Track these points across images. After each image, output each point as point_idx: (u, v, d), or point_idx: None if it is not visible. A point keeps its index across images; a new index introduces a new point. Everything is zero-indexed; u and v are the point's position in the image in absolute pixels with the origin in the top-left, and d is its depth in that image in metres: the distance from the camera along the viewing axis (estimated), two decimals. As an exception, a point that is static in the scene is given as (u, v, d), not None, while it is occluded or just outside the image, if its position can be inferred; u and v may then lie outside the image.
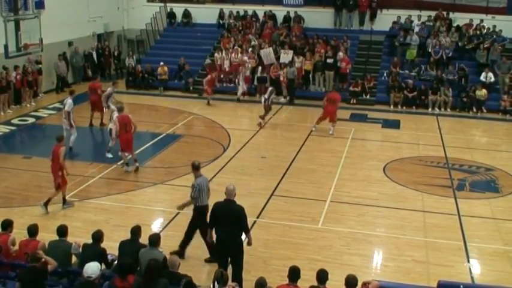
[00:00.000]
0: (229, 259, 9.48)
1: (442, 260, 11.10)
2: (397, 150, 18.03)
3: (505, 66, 24.43)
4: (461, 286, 8.89)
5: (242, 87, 23.79)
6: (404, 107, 23.42)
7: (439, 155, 17.55)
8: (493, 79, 24.04)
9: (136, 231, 8.78)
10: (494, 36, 25.92)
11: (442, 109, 23.38)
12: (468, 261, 11.19)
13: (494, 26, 26.22)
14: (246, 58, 24.36)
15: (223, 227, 9.34)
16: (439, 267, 10.78)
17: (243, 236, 9.53)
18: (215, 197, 9.91)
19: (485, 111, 23.18)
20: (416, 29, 26.70)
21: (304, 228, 12.30)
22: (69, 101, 17.09)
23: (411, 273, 10.53)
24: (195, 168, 10.43)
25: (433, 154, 17.65)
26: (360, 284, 8.09)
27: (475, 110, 23.23)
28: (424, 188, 14.75)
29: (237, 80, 24.61)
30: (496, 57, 24.91)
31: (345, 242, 11.73)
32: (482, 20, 26.60)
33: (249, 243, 9.68)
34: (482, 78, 24.00)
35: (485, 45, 25.20)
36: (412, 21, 27.14)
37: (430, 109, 23.40)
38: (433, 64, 24.96)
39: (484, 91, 23.33)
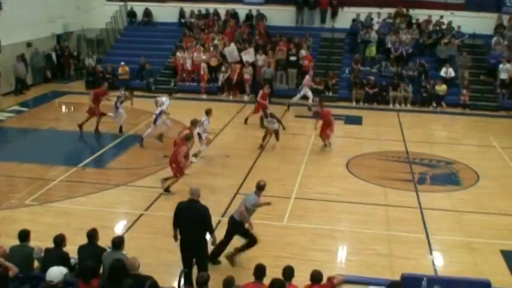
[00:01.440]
0: (193, 259, 9.44)
1: (405, 253, 11.25)
2: (360, 146, 18.22)
3: (465, 61, 24.91)
4: (425, 278, 9.00)
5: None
6: (366, 104, 23.69)
7: (400, 149, 17.80)
8: (453, 74, 24.48)
9: (92, 234, 8.65)
10: (454, 32, 26.42)
11: (403, 105, 23.73)
12: (431, 254, 11.36)
13: (450, 22, 26.72)
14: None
15: (187, 227, 9.27)
16: (403, 260, 10.92)
17: (208, 236, 9.49)
18: (180, 197, 9.84)
19: (445, 106, 23.61)
20: (376, 26, 27.03)
21: (270, 225, 12.28)
22: (167, 101, 17.64)
23: (375, 267, 10.63)
24: (261, 189, 10.53)
25: (394, 149, 17.89)
26: (325, 279, 8.17)
27: (434, 105, 23.64)
28: (386, 183, 14.93)
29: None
30: (455, 53, 25.38)
31: (310, 238, 11.79)
32: (441, 16, 27.08)
33: (214, 243, 9.64)
34: (442, 73, 24.42)
35: (445, 41, 25.65)
36: (372, 19, 27.44)
37: (391, 105, 23.71)
38: (393, 61, 25.29)
39: (444, 86, 23.74)
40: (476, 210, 13.55)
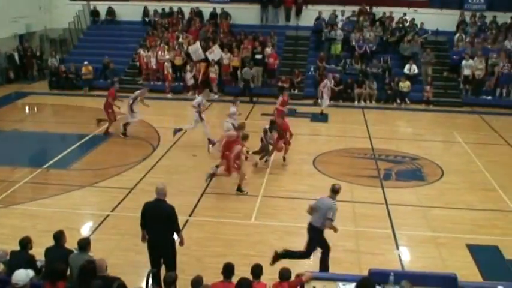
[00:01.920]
0: (161, 259, 9.36)
1: (372, 249, 11.35)
2: (326, 143, 18.33)
3: (428, 58, 25.28)
4: (392, 273, 9.07)
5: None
6: (331, 101, 23.80)
7: (365, 146, 17.96)
8: (416, 71, 24.81)
9: (58, 236, 8.50)
10: (417, 29, 26.79)
11: (368, 102, 23.97)
12: (398, 249, 11.48)
13: (414, 19, 27.11)
14: None
15: (153, 227, 9.18)
16: (370, 255, 11.01)
17: (175, 236, 9.41)
18: (147, 197, 9.73)
19: (408, 102, 23.91)
20: (340, 24, 27.23)
21: (238, 224, 12.29)
22: (198, 98, 17.64)
23: (343, 263, 10.68)
24: (336, 192, 10.19)
25: (360, 146, 18.03)
26: (293, 276, 8.18)
27: (399, 101, 23.93)
28: (353, 179, 15.04)
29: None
30: (418, 50, 25.73)
31: (278, 236, 11.80)
32: (405, 14, 27.45)
33: (181, 243, 9.56)
34: (405, 70, 24.73)
35: (408, 38, 25.98)
36: (336, 16, 27.62)
37: (356, 102, 23.94)
38: (357, 58, 25.50)
39: (408, 83, 24.05)
40: (442, 205, 13.74)
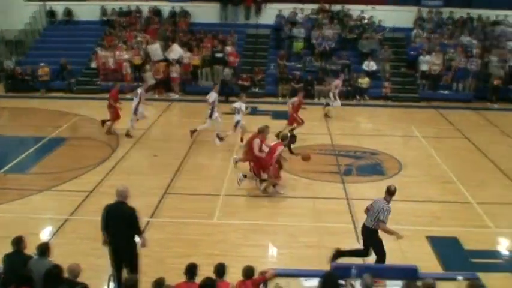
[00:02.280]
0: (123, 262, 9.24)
1: (334, 244, 11.33)
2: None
3: (386, 54, 25.61)
4: (353, 267, 9.15)
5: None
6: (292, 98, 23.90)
7: (326, 142, 18.11)
8: (375, 67, 25.12)
9: (18, 242, 8.31)
10: (375, 26, 27.11)
11: (328, 98, 24.06)
12: (359, 243, 11.57)
13: (372, 17, 27.43)
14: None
15: (115, 230, 9.05)
16: (332, 250, 11.08)
17: (137, 238, 9.31)
18: (107, 199, 9.58)
19: (368, 98, 24.19)
20: (300, 21, 27.37)
21: (200, 224, 12.23)
22: (213, 94, 17.73)
23: (306, 258, 10.75)
24: (392, 194, 10.00)
25: (320, 142, 18.17)
26: (256, 273, 8.18)
27: (358, 97, 24.19)
28: (314, 176, 15.14)
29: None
30: (377, 47, 26.05)
31: (241, 234, 11.79)
32: (362, 11, 27.73)
33: (144, 245, 9.46)
34: (364, 67, 25.01)
35: (366, 36, 26.27)
36: (296, 14, 27.75)
37: (316, 99, 24.06)
38: (317, 56, 25.67)
39: (367, 79, 24.33)
40: (401, 198, 13.79)
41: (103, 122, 18.79)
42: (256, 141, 13.95)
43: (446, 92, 24.91)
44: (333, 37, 26.28)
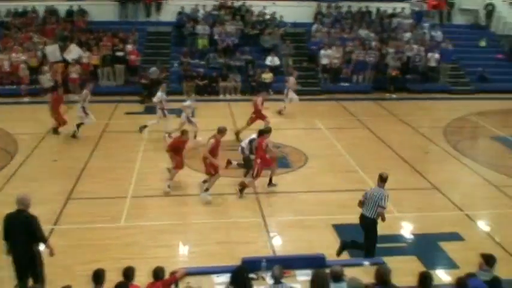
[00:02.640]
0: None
1: (244, 238, 11.51)
2: (193, 139, 18.22)
3: (288, 49, 26.03)
4: (264, 260, 9.25)
5: None
6: (197, 95, 23.76)
7: (233, 138, 18.13)
8: (277, 62, 25.45)
9: None
10: (276, 22, 27.49)
11: (233, 94, 24.23)
12: (269, 236, 11.72)
13: (274, 13, 27.81)
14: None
15: (16, 239, 8.69)
16: (243, 245, 11.17)
17: (42, 247, 8.96)
18: (7, 208, 9.13)
19: (272, 93, 24.44)
20: (202, 18, 27.28)
21: (107, 228, 11.93)
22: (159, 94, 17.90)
23: (216, 255, 10.75)
24: (383, 180, 10.27)
25: (227, 138, 18.06)
26: (167, 274, 8.09)
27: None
28: (222, 172, 15.09)
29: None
30: (279, 42, 26.42)
31: (150, 236, 11.61)
32: (264, 7, 28.05)
33: (51, 254, 9.10)
34: (267, 62, 25.28)
35: (269, 31, 26.58)
36: (198, 11, 27.65)
37: (221, 95, 24.10)
38: (220, 52, 25.69)
39: (270, 74, 24.62)
40: (307, 189, 14.24)
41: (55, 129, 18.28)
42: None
43: (346, 84, 25.67)
44: (235, 33, 26.39)
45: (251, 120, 18.34)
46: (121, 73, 24.57)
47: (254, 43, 26.79)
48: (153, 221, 12.27)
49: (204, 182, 13.70)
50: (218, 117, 20.41)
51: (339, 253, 10.51)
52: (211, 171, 13.42)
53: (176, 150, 14.00)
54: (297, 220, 12.46)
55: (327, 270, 7.75)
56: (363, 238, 10.47)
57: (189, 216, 12.64)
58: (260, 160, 13.70)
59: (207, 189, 13.36)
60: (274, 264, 8.21)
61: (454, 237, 11.85)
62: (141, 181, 14.56)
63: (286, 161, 16.31)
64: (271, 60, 25.34)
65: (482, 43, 28.81)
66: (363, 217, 10.42)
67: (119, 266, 8.23)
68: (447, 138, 18.81)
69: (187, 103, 18.20)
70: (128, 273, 7.78)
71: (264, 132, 14.14)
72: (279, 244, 11.51)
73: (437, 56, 25.89)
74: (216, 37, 26.27)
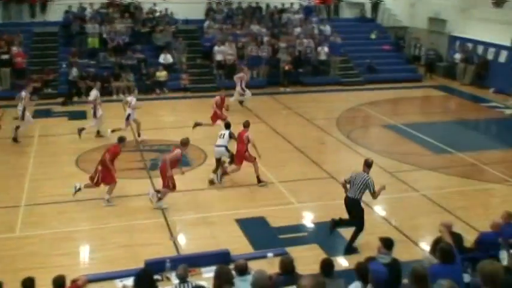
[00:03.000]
0: None
1: (147, 240, 11.32)
2: (88, 142, 17.65)
3: (181, 46, 25.85)
4: (168, 260, 9.18)
5: None
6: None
7: (129, 139, 17.70)
8: (171, 60, 25.23)
9: None
10: (167, 19, 27.22)
11: (127, 94, 23.68)
12: (172, 236, 11.60)
13: (166, 9, 27.54)
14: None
15: None
16: (146, 247, 10.97)
17: None
18: None
19: (167, 91, 24.24)
20: (90, 16, 26.52)
21: (0, 239, 11.33)
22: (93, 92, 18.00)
23: (119, 259, 10.51)
24: (369, 166, 11.03)
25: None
26: (68, 282, 7.81)
27: (158, 91, 24.15)
28: (120, 174, 14.70)
29: None
30: (171, 39, 26.18)
31: (49, 244, 11.18)
32: (155, 4, 27.70)
33: None
34: (161, 60, 24.99)
35: (160, 28, 26.27)
36: (85, 9, 26.84)
37: (114, 96, 23.52)
38: (111, 51, 25.08)
39: (164, 72, 24.37)
40: (209, 186, 14.21)
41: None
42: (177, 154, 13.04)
43: (241, 79, 25.86)
44: (125, 31, 25.88)
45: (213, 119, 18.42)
46: (7, 77, 23.37)
47: (146, 41, 26.38)
48: (51, 229, 11.79)
49: (158, 191, 13.10)
50: (113, 119, 19.87)
51: (331, 230, 11.14)
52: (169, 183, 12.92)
53: (113, 158, 13.29)
54: (200, 217, 12.43)
55: (232, 266, 7.80)
56: (349, 216, 11.07)
57: (89, 222, 12.25)
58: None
59: (160, 199, 12.93)
60: (178, 264, 8.16)
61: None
62: (36, 188, 13.94)
63: (185, 159, 16.12)
64: (165, 58, 25.08)
65: (373, 35, 30.03)
66: (347, 198, 10.99)
67: (18, 278, 7.86)
68: (341, 129, 19.44)
69: (129, 99, 18.10)
70: (26, 285, 7.44)
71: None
72: (183, 243, 11.42)
73: (326, 49, 26.69)
74: (105, 36, 25.59)
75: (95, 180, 13.07)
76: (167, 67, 24.83)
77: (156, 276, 8.41)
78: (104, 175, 13.03)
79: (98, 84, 18.96)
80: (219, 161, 14.61)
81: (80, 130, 17.84)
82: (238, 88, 22.00)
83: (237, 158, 14.26)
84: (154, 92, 24.11)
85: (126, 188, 13.90)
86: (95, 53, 25.15)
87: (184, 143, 13.31)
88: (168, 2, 28.01)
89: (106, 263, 10.44)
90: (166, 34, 26.21)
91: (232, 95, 21.66)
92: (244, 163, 14.26)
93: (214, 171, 14.51)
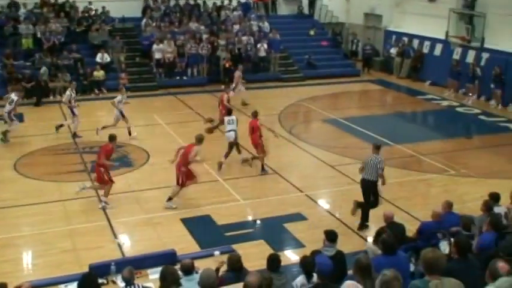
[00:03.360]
0: None
1: (90, 244, 11.10)
2: (26, 145, 17.18)
3: (118, 45, 25.43)
4: (113, 263, 9.03)
5: None
6: (25, 99, 22.40)
7: (68, 141, 17.45)
8: (108, 59, 24.78)
9: None
10: (104, 17, 26.72)
11: (64, 95, 23.10)
12: (116, 238, 11.42)
13: (104, 7, 27.05)
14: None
15: None
16: (90, 251, 10.77)
17: None
18: None
19: (105, 91, 23.78)
20: (24, 17, 25.76)
21: None
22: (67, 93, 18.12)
23: (63, 264, 10.28)
24: (378, 148, 11.81)
25: (62, 142, 17.42)
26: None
27: (96, 91, 23.68)
28: (60, 177, 14.48)
29: None
30: (107, 38, 25.72)
31: (-12, 252, 10.81)
32: (90, 3, 27.14)
33: None
34: (98, 59, 24.51)
35: (96, 27, 25.76)
36: (18, 9, 26.06)
37: (51, 97, 22.92)
38: (47, 51, 24.42)
39: (102, 72, 23.92)
40: (152, 186, 14.06)
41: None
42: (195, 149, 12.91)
43: (182, 78, 25.68)
44: (61, 31, 25.26)
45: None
46: None
47: (82, 40, 25.80)
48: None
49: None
50: (50, 120, 19.44)
51: (353, 212, 11.89)
52: (185, 180, 12.82)
53: (108, 157, 13.03)
54: (145, 218, 12.28)
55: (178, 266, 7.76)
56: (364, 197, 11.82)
57: (30, 227, 11.92)
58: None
59: (170, 198, 12.80)
60: (124, 267, 8.04)
61: (298, 217, 12.41)
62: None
63: (127, 159, 15.97)
64: (101, 57, 24.60)
65: (312, 32, 30.37)
66: (364, 181, 11.75)
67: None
68: (283, 124, 19.59)
69: (119, 98, 17.89)
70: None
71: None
72: (128, 245, 11.26)
73: (266, 46, 26.81)
74: (39, 36, 24.89)
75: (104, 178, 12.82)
76: (104, 66, 24.37)
77: (101, 280, 8.28)
78: (99, 176, 12.87)
79: (73, 84, 19.07)
80: (231, 145, 15.56)
81: (58, 127, 18.10)
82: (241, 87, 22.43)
83: (257, 146, 15.20)
84: (93, 92, 23.63)
85: (67, 191, 13.56)
86: (31, 54, 24.42)
87: (199, 139, 13.12)
88: (104, 1, 27.48)
89: (50, 268, 10.19)
90: (102, 33, 25.71)
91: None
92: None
93: (226, 156, 15.38)
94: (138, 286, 7.75)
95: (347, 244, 9.85)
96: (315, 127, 20.50)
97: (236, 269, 7.70)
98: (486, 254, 6.81)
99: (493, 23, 23.52)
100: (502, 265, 5.43)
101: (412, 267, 7.80)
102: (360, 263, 6.13)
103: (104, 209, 12.64)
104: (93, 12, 26.96)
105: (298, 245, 11.15)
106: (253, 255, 9.67)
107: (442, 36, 25.91)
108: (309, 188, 14.14)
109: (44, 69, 22.94)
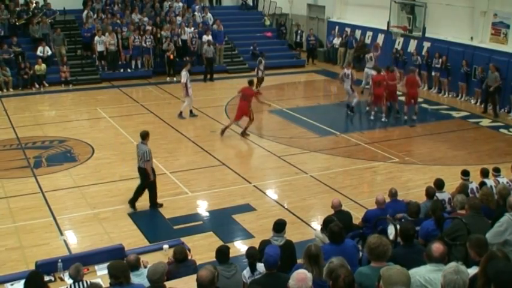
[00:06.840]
0: None
1: (36, 241, 10.87)
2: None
3: (59, 38, 24.84)
4: (60, 260, 8.85)
5: None
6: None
7: (10, 137, 16.95)
8: (50, 52, 24.17)
9: None
10: (44, 10, 26.05)
11: (5, 90, 22.50)
12: (62, 235, 11.22)
13: (45, 1, 26.37)
14: None
15: None
16: (35, 248, 10.56)
17: None
18: None
19: (47, 85, 23.22)
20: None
21: None
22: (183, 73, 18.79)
23: (7, 263, 10.06)
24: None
25: (3, 138, 16.93)
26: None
27: (37, 85, 23.09)
28: (2, 174, 14.08)
29: None
30: (48, 30, 25.10)
31: None
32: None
33: None
34: (39, 53, 23.86)
35: (37, 20, 25.09)
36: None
37: (-1, 92, 22.27)
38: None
39: (43, 66, 23.33)
40: (97, 181, 13.85)
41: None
42: None
43: (125, 70, 25.31)
44: (1, 24, 24.46)
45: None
46: None
47: (22, 34, 25.10)
48: None
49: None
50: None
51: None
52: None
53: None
54: (91, 214, 12.09)
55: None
56: None
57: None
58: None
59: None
60: (71, 263, 7.90)
61: (246, 208, 12.46)
62: None
63: (71, 154, 15.65)
64: (42, 50, 23.96)
65: (267, 22, 30.43)
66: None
67: None
68: (230, 116, 19.56)
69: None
70: None
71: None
72: (75, 241, 11.08)
73: (209, 38, 26.66)
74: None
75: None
76: (46, 60, 23.77)
77: (48, 277, 8.12)
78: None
79: (189, 65, 19.72)
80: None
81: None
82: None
83: (246, 113, 17.12)
84: (34, 86, 23.01)
85: (10, 188, 13.25)
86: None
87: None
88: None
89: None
90: (43, 26, 25.05)
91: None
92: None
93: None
94: (86, 282, 7.62)
95: (296, 233, 9.97)
96: (261, 118, 20.55)
97: (181, 260, 7.78)
98: (431, 240, 6.99)
99: (433, 12, 24.12)
100: (437, 246, 5.54)
101: (359, 254, 7.95)
102: (309, 252, 6.21)
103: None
104: (34, 5, 26.21)
105: (247, 235, 11.20)
106: (203, 248, 9.67)
107: (384, 27, 26.38)
108: (257, 178, 14.21)
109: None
